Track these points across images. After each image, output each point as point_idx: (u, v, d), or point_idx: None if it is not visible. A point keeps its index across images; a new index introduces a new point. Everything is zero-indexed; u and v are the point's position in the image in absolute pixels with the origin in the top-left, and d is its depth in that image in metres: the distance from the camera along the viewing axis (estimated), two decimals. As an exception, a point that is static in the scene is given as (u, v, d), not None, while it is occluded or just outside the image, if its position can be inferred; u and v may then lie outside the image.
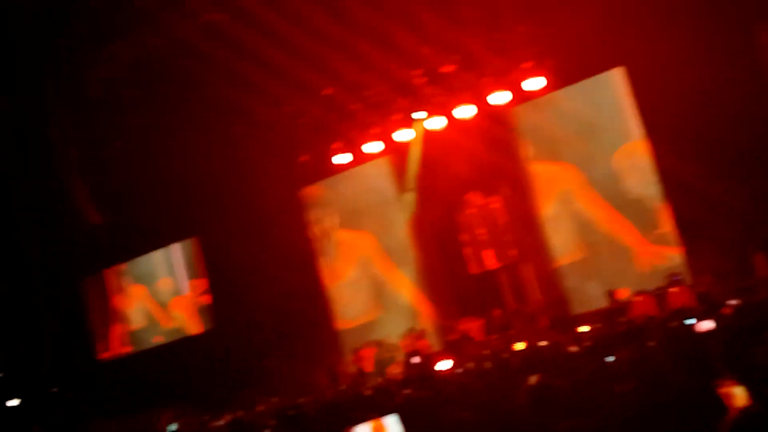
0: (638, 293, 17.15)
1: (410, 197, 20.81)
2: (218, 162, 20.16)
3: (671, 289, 16.75)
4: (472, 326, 18.84)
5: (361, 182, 21.66)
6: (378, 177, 21.44)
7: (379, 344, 20.11)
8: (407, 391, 9.39)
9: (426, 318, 20.75)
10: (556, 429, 5.46)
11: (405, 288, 21.28)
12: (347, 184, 21.84)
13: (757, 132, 16.16)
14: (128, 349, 24.24)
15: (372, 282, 21.73)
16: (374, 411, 7.16)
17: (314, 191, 22.38)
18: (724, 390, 4.75)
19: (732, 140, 16.14)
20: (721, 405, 4.72)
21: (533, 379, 8.31)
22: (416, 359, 18.44)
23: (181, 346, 23.00)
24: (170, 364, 22.08)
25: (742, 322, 9.46)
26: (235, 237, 21.12)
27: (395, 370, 18.70)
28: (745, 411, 4.01)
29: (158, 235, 22.86)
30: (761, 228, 15.90)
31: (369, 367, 19.60)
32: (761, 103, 16.32)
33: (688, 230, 17.47)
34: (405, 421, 6.50)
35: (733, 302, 11.96)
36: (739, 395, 4.65)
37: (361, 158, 20.91)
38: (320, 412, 12.04)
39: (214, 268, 22.60)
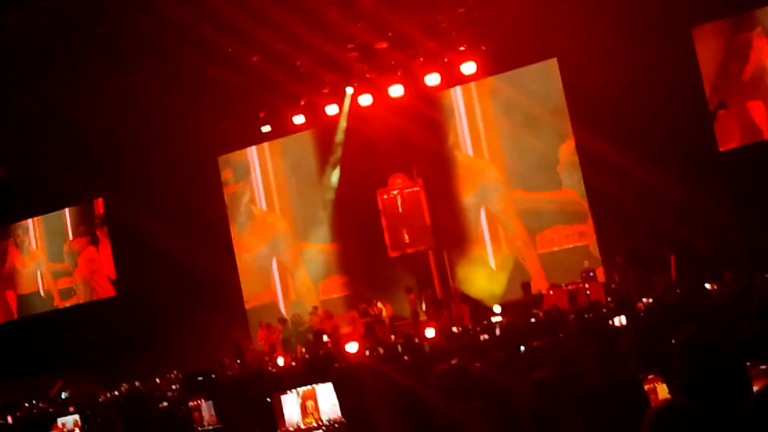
0: (552, 286, 17.30)
1: (334, 174, 20.42)
2: (132, 122, 19.35)
3: (584, 285, 16.97)
4: (385, 309, 18.64)
5: (284, 154, 21.21)
6: (301, 150, 21.01)
7: (284, 322, 19.77)
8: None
9: (337, 298, 20.47)
10: (468, 409, 5.26)
11: (318, 267, 20.95)
12: (269, 154, 21.36)
13: (684, 132, 16.45)
14: (23, 313, 23.24)
15: (282, 258, 21.31)
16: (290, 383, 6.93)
17: (233, 159, 21.80)
18: (647, 384, 4.63)
19: (660, 139, 16.40)
20: (644, 398, 4.59)
21: (448, 363, 8.14)
22: (325, 338, 18.24)
23: (80, 313, 22.18)
24: (68, 330, 21.27)
25: (654, 319, 9.54)
26: (143, 200, 20.42)
27: (300, 349, 18.45)
28: (665, 403, 3.85)
29: (63, 194, 21.90)
30: (676, 231, 16.12)
31: (266, 346, 19.30)
32: (692, 103, 16.67)
33: (605, 229, 17.62)
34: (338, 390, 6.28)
35: (645, 300, 12.15)
36: (660, 389, 4.55)
37: (284, 130, 20.43)
38: (228, 383, 11.74)
39: (120, 232, 21.82)
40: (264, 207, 21.51)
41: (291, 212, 21.31)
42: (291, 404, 6.29)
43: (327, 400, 6.33)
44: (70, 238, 22.86)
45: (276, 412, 6.33)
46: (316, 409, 6.29)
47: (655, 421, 3.69)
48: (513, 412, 5.48)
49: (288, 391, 6.36)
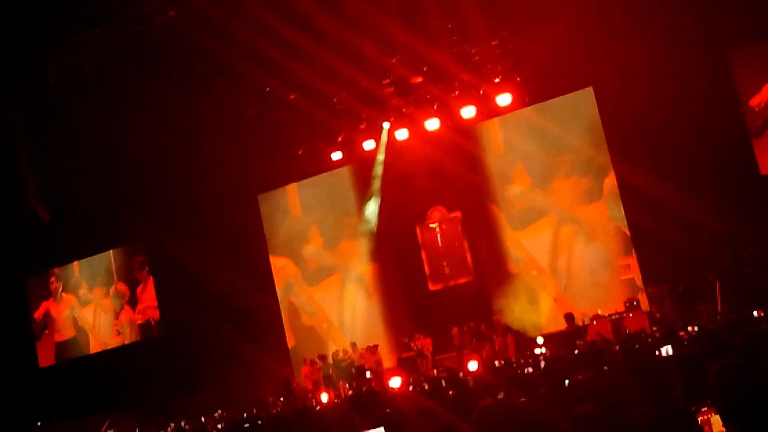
0: (596, 317, 17.09)
1: (371, 206, 20.44)
2: (174, 164, 19.67)
3: (628, 314, 16.76)
4: (427, 343, 18.54)
5: (324, 190, 21.37)
6: (340, 186, 21.13)
7: (323, 358, 19.72)
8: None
9: (380, 333, 20.41)
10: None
11: (360, 301, 20.94)
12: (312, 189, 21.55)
13: (724, 158, 16.28)
14: (71, 356, 23.45)
15: (327, 295, 21.36)
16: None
17: (274, 196, 21.95)
18: (701, 417, 4.54)
19: (700, 166, 16.23)
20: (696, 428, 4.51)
21: (493, 398, 8.07)
22: (368, 374, 18.18)
23: (126, 354, 22.34)
24: (114, 372, 21.42)
25: (699, 348, 9.36)
26: (185, 242, 20.51)
27: (344, 385, 18.40)
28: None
29: (105, 237, 22.22)
30: (720, 258, 15.88)
31: (309, 383, 19.26)
32: (732, 128, 16.51)
33: (649, 258, 17.43)
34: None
35: (691, 328, 11.95)
36: (715, 422, 4.46)
37: (322, 167, 20.58)
38: (275, 425, 11.69)
39: (163, 275, 21.97)
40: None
41: (332, 246, 21.31)
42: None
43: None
44: (114, 281, 23.09)
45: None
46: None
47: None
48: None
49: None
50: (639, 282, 17.76)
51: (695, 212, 15.87)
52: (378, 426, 6.38)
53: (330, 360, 19.64)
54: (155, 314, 22.37)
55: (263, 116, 18.93)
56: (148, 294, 22.50)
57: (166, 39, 16.49)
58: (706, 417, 4.52)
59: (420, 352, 18.15)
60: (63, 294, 23.47)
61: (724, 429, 4.10)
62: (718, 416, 4.30)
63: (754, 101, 16.76)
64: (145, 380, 20.53)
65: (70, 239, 21.86)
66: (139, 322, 22.62)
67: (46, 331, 23.56)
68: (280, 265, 21.69)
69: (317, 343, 20.85)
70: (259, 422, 10.86)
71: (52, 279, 23.63)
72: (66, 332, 23.39)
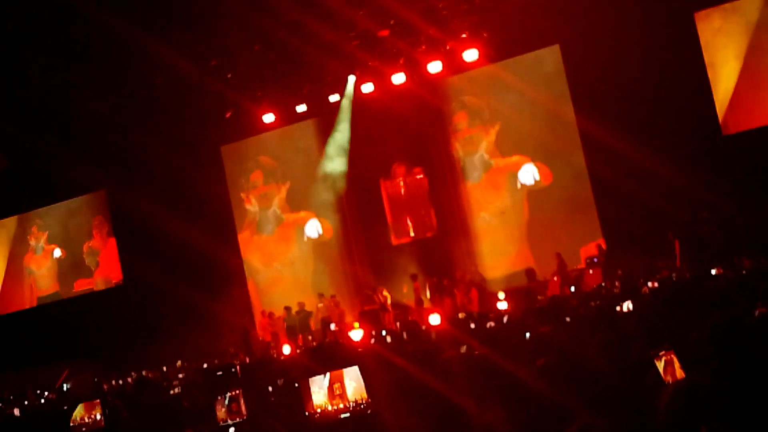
0: (556, 273, 17.33)
1: (339, 163, 20.36)
2: (134, 113, 19.40)
3: (588, 271, 17.00)
4: (390, 296, 18.67)
5: (286, 143, 21.21)
6: (304, 139, 21.00)
7: (288, 309, 19.78)
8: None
9: (342, 285, 20.50)
10: (477, 395, 5.31)
11: (322, 253, 20.97)
12: (273, 143, 21.36)
13: (687, 117, 16.49)
14: (33, 304, 23.28)
15: (290, 247, 21.34)
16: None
17: (236, 149, 21.77)
18: (659, 363, 4.64)
19: (662, 124, 16.42)
20: (655, 377, 4.62)
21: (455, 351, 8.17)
22: (333, 327, 18.30)
23: (86, 302, 22.22)
24: (75, 321, 21.31)
25: (659, 302, 9.56)
26: (147, 191, 20.34)
27: (308, 337, 18.53)
28: (680, 382, 3.89)
29: (65, 185, 21.95)
30: (680, 216, 16.13)
31: (268, 335, 19.34)
32: (694, 88, 16.70)
33: (609, 214, 17.65)
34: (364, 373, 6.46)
35: (651, 284, 12.16)
36: (674, 368, 4.56)
37: (288, 119, 20.42)
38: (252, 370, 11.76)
39: (123, 223, 21.83)
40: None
41: (296, 198, 21.27)
42: (318, 387, 6.47)
43: (352, 381, 6.49)
44: (74, 229, 22.87)
45: (304, 396, 6.46)
46: (343, 389, 6.45)
47: (675, 397, 3.74)
48: (521, 398, 5.52)
49: (316, 376, 6.52)
50: (600, 236, 17.98)
51: (657, 170, 16.09)
52: (353, 365, 6.51)
53: (293, 312, 19.68)
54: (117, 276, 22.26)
55: (226, 68, 18.68)
56: (108, 254, 22.39)
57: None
58: (669, 357, 4.61)
59: (382, 306, 18.27)
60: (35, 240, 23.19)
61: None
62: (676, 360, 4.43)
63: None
64: (106, 330, 20.49)
65: (27, 188, 21.60)
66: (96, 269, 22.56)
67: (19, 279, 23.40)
68: (242, 218, 21.61)
69: (280, 295, 20.88)
70: (233, 369, 10.94)
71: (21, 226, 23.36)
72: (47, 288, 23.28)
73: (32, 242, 23.33)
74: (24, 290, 23.38)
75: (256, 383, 9.29)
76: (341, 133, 20.09)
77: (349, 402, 6.41)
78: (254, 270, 21.60)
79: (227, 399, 6.99)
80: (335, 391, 6.37)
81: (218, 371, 11.09)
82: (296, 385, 6.80)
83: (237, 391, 7.03)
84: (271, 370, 10.55)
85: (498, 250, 19.17)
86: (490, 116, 19.22)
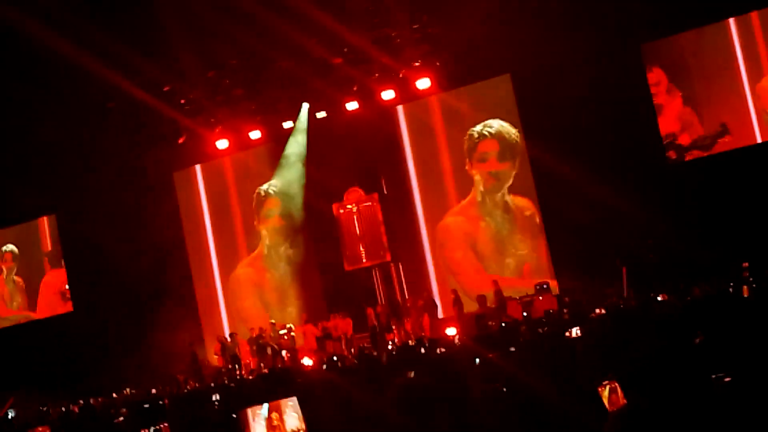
0: (507, 299, 17.47)
1: (295, 187, 20.35)
2: (87, 138, 19.22)
3: (538, 297, 17.19)
4: (341, 323, 18.65)
5: (238, 169, 21.18)
6: (258, 165, 20.99)
7: (233, 336, 19.63)
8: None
9: (294, 313, 20.42)
10: (423, 421, 5.33)
11: (274, 281, 20.90)
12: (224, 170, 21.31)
13: (632, 145, 16.84)
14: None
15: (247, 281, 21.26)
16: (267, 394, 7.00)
17: (189, 175, 21.65)
18: (603, 391, 4.76)
19: (610, 152, 16.72)
20: (599, 404, 4.73)
21: (404, 377, 8.20)
22: (284, 353, 18.22)
23: (31, 330, 21.76)
24: (23, 347, 20.86)
25: (607, 328, 9.72)
26: (99, 216, 20.16)
27: (259, 363, 18.40)
28: (623, 409, 4.01)
29: (16, 209, 21.55)
30: (626, 242, 16.40)
31: (220, 360, 19.16)
32: (642, 118, 17.09)
33: (558, 241, 17.92)
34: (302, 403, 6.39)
35: (599, 310, 12.36)
36: (617, 395, 4.68)
37: (241, 144, 20.39)
38: (182, 401, 11.60)
39: (74, 248, 21.44)
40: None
41: (250, 223, 21.19)
42: (256, 418, 6.39)
43: (290, 414, 6.43)
44: (23, 254, 22.43)
45: (243, 427, 6.39)
46: (281, 421, 6.39)
47: (616, 424, 3.84)
48: (468, 422, 5.58)
49: (255, 405, 6.44)
50: (548, 264, 18.21)
51: (605, 197, 16.31)
52: (290, 396, 6.45)
53: (236, 340, 19.51)
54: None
55: (179, 93, 18.64)
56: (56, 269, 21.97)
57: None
58: (613, 386, 4.74)
59: (329, 332, 18.28)
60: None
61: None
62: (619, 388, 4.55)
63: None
64: (54, 357, 20.02)
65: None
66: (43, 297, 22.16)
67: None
68: (195, 243, 21.44)
69: (232, 322, 20.75)
70: (160, 402, 10.66)
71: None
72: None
73: (3, 276, 22.70)
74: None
75: (187, 416, 9.10)
76: (295, 147, 20.08)
77: (287, 433, 6.35)
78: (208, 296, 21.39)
79: (152, 432, 6.84)
80: (273, 421, 6.32)
81: (144, 403, 10.70)
82: (234, 416, 6.72)
83: (162, 425, 6.86)
84: (205, 401, 10.35)
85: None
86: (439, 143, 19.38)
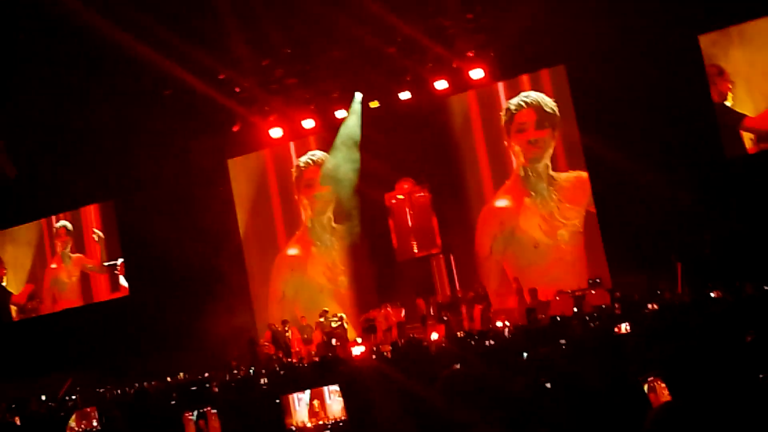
0: (559, 293, 17.36)
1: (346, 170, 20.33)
2: (142, 126, 19.53)
3: (590, 291, 17.02)
4: (392, 313, 18.69)
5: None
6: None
7: (285, 323, 19.79)
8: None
9: (346, 302, 20.51)
10: (470, 413, 5.33)
11: (326, 269, 20.97)
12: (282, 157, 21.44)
13: (691, 140, 16.53)
14: (38, 312, 23.26)
15: (293, 261, 21.35)
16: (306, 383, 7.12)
17: (244, 162, 21.84)
18: (648, 386, 4.72)
19: (666, 146, 16.44)
20: (645, 400, 4.70)
21: (450, 369, 8.19)
22: (334, 341, 18.35)
23: (90, 313, 22.26)
24: (79, 330, 21.35)
25: (658, 324, 9.58)
26: (154, 203, 20.52)
27: (311, 350, 18.58)
28: (665, 405, 3.96)
29: (75, 195, 22.00)
30: (683, 238, 16.13)
31: (272, 348, 19.33)
32: (699, 109, 16.72)
33: (613, 235, 17.69)
34: (344, 391, 6.50)
35: (651, 306, 12.18)
36: (661, 391, 4.64)
37: (295, 133, 20.53)
38: (230, 386, 11.77)
39: (130, 235, 21.79)
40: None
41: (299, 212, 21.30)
42: (300, 404, 6.49)
43: (334, 400, 6.52)
44: (82, 238, 22.88)
45: (284, 411, 6.49)
46: (323, 408, 6.48)
47: (657, 420, 3.80)
48: (515, 417, 5.56)
49: (297, 391, 6.54)
50: (603, 259, 17.98)
51: (661, 191, 16.17)
52: (334, 383, 6.55)
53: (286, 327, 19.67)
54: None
55: (233, 81, 18.86)
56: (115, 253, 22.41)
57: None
58: (652, 384, 4.70)
59: (384, 321, 18.33)
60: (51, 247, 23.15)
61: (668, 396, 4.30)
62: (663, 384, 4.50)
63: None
64: (110, 340, 20.51)
65: (38, 196, 21.68)
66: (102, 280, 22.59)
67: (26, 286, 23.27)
68: (248, 230, 21.65)
69: (284, 309, 20.89)
70: (207, 385, 10.86)
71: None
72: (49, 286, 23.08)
73: (59, 249, 23.10)
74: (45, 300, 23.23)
75: (233, 400, 9.24)
76: (347, 132, 20.04)
77: (328, 419, 6.45)
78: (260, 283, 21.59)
79: (195, 416, 6.95)
80: (315, 408, 6.42)
81: (192, 386, 10.91)
82: (277, 401, 6.83)
83: (207, 408, 6.96)
84: (253, 386, 10.50)
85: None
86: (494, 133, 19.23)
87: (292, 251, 21.23)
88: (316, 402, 6.44)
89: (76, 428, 7.97)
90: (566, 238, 18.35)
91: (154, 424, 8.06)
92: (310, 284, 21.02)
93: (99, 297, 22.54)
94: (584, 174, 18.22)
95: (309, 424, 6.47)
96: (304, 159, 21.03)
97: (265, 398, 8.73)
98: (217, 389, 10.79)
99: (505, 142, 18.84)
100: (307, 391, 6.51)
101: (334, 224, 20.77)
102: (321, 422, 6.45)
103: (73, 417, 8.04)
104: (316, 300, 20.55)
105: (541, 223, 18.57)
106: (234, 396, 10.04)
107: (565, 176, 18.44)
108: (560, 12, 16.53)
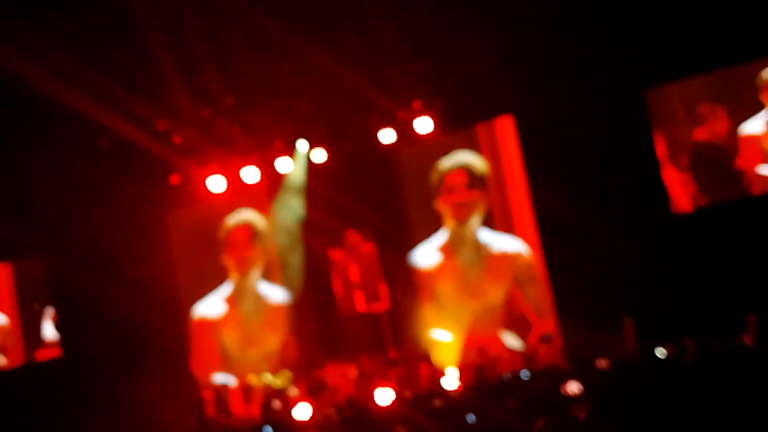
0: (508, 350, 17.07)
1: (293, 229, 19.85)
2: (74, 180, 18.97)
3: (540, 348, 16.72)
4: (336, 372, 18.13)
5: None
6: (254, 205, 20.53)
7: (223, 384, 19.01)
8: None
9: (288, 360, 19.87)
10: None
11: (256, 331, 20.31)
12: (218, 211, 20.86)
13: (641, 194, 16.54)
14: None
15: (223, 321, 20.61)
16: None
17: (183, 216, 21.22)
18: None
19: (615, 200, 16.42)
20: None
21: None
22: (277, 404, 17.71)
23: (16, 377, 21.23)
24: (6, 395, 20.32)
25: (610, 383, 9.41)
26: (89, 260, 19.65)
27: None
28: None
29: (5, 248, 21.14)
30: (631, 292, 15.98)
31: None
32: (644, 163, 16.70)
33: (561, 290, 17.43)
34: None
35: (603, 363, 12.02)
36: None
37: (235, 186, 20.05)
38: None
39: (62, 294, 20.74)
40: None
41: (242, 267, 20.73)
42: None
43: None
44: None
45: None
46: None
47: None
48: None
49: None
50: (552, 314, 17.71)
51: (610, 246, 16.10)
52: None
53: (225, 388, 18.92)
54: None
55: (173, 132, 18.52)
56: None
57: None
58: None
59: (324, 382, 17.77)
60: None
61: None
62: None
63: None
64: (41, 404, 19.33)
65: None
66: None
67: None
68: (187, 287, 20.97)
69: (224, 367, 20.06)
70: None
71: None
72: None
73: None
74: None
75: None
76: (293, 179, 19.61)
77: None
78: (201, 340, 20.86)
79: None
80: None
81: None
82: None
83: None
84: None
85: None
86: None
87: (218, 311, 20.58)
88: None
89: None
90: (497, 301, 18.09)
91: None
92: (242, 343, 20.34)
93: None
94: (517, 245, 17.99)
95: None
96: (233, 219, 20.50)
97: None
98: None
99: (435, 204, 18.62)
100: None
101: (263, 285, 20.20)
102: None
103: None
104: (254, 359, 19.83)
105: (467, 287, 18.36)
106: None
107: (499, 246, 18.17)
108: (506, 62, 16.57)
